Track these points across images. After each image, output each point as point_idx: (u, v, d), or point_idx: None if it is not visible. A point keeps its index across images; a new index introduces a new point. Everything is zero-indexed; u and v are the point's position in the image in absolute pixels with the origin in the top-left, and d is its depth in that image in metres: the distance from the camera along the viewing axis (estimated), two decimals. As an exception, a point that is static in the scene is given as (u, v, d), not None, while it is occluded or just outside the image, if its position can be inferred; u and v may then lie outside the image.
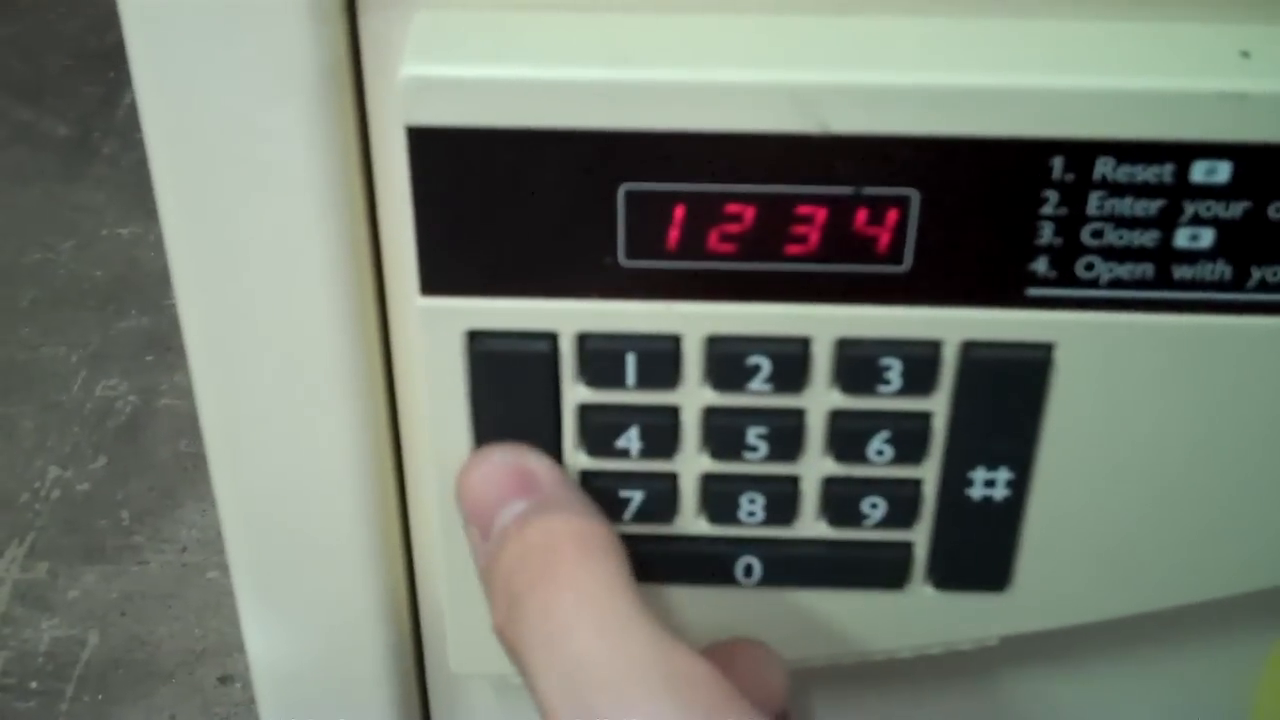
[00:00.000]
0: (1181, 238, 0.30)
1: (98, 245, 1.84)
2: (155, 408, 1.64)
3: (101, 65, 2.14)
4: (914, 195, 0.29)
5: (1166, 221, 0.30)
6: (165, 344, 1.69)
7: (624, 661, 0.28)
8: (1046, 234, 0.30)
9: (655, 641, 0.28)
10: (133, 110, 2.13)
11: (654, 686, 0.27)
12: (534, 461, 0.33)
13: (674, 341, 0.31)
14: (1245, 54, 0.29)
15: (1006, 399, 0.32)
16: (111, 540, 1.49)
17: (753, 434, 0.32)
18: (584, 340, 0.32)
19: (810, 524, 0.34)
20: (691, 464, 0.33)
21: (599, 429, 0.33)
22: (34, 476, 1.56)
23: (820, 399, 0.32)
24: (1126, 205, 0.29)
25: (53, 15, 2.27)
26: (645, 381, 0.32)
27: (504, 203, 0.30)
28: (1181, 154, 0.29)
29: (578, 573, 0.30)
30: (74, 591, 1.44)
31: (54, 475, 1.56)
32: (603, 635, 0.29)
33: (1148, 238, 0.30)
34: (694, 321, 0.31)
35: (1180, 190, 0.29)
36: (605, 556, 0.30)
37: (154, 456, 1.58)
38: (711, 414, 0.32)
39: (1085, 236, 0.30)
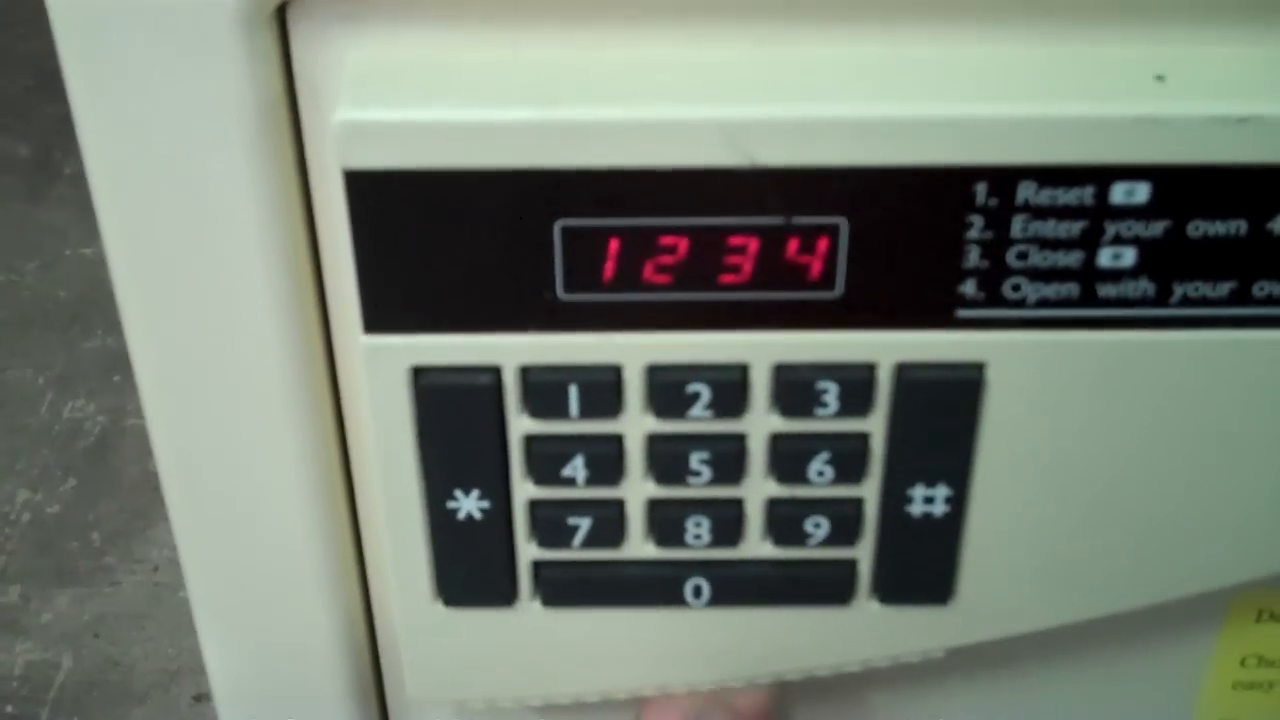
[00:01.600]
0: (1104, 257, 0.30)
1: (62, 265, 1.83)
2: (123, 427, 1.63)
3: (63, 85, 2.13)
4: (843, 223, 0.30)
5: (1089, 242, 0.30)
6: (131, 365, 1.68)
7: None
8: (973, 257, 0.30)
9: None
10: (93, 129, 2.12)
11: None
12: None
13: (615, 371, 0.32)
14: (1160, 78, 0.30)
15: (942, 418, 0.33)
16: (83, 562, 1.49)
17: (696, 459, 0.33)
18: (526, 373, 0.32)
19: (756, 544, 0.34)
20: (637, 490, 0.34)
21: (545, 459, 0.33)
22: (3, 500, 1.56)
23: (760, 423, 0.33)
24: (1050, 227, 0.30)
25: (13, 35, 2.26)
26: (588, 411, 0.32)
27: (443, 241, 0.30)
28: (1101, 176, 0.30)
29: None
30: (47, 615, 1.44)
31: (24, 498, 1.56)
32: None
33: (1072, 258, 0.31)
34: (633, 351, 0.32)
35: (1101, 211, 0.30)
36: None
37: (124, 477, 1.57)
38: (655, 441, 0.33)
39: (1011, 258, 0.31)
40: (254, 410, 0.35)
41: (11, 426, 1.67)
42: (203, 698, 1.38)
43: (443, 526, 0.34)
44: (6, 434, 1.67)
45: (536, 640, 0.36)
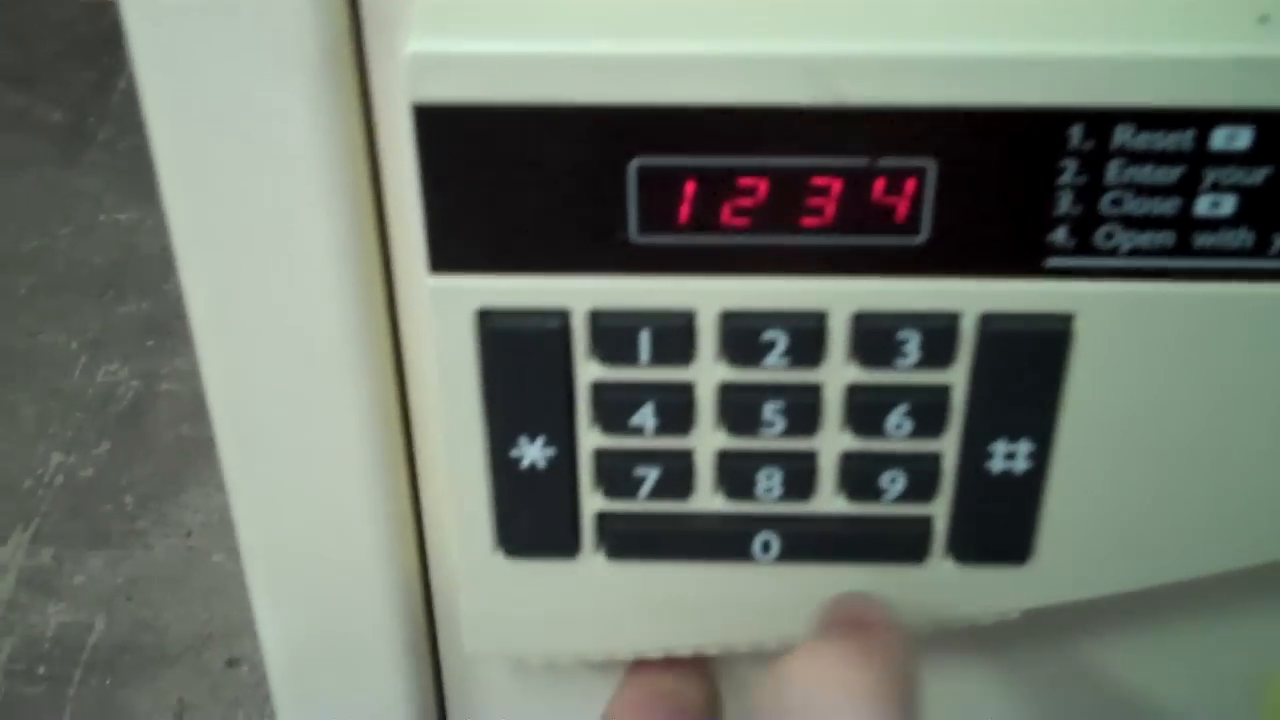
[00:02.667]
0: (1202, 205, 0.29)
1: (96, 231, 1.84)
2: (157, 392, 1.63)
3: (95, 50, 2.13)
4: (931, 165, 0.29)
5: (1187, 189, 0.29)
6: (165, 329, 1.69)
7: None
8: (1065, 203, 0.29)
9: None
10: (128, 95, 2.12)
11: None
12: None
13: (688, 317, 0.31)
14: (1264, 19, 0.28)
15: (1026, 371, 0.31)
16: (116, 525, 1.49)
17: (769, 409, 0.32)
18: (596, 317, 0.31)
19: (828, 499, 0.33)
20: (707, 440, 0.33)
21: (613, 407, 0.32)
22: (37, 463, 1.56)
23: (837, 373, 0.32)
24: (1146, 173, 0.29)
25: (45, 1, 2.26)
26: (659, 358, 0.32)
27: (513, 179, 0.30)
28: (1201, 121, 0.28)
29: (855, 670, 0.30)
30: (80, 577, 1.44)
31: (57, 461, 1.56)
32: None
33: (1168, 205, 0.29)
34: (708, 296, 0.31)
35: (1200, 157, 0.29)
36: (888, 667, 0.31)
37: (157, 441, 1.57)
38: (727, 390, 0.32)
39: (1104, 205, 0.29)
40: (311, 354, 0.34)
41: (45, 390, 1.68)
42: (235, 662, 1.39)
43: (505, 475, 0.33)
44: (41, 398, 1.67)
45: (598, 594, 0.35)
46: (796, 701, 0.29)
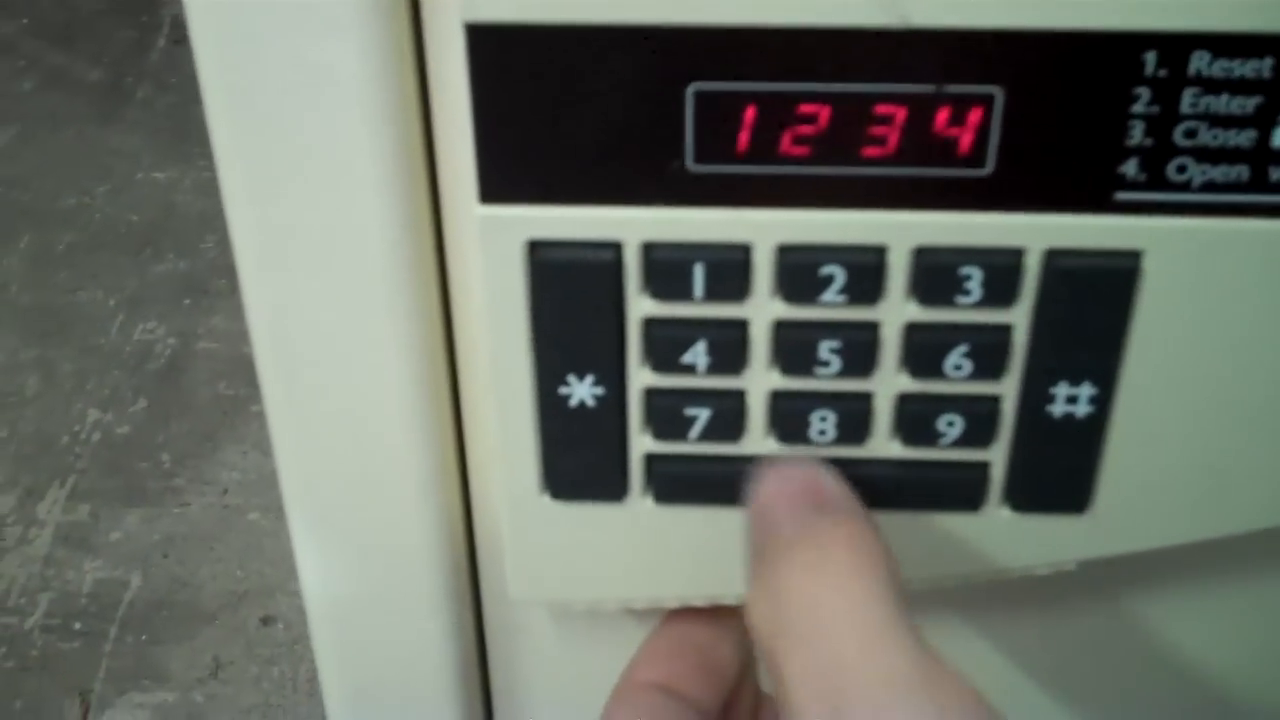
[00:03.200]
0: (1280, 137, 0.28)
1: (133, 189, 1.84)
2: (194, 350, 1.64)
3: (135, 8, 2.13)
4: (998, 93, 0.28)
5: (1264, 120, 0.28)
6: (202, 287, 1.69)
7: (887, 676, 0.27)
8: (1137, 134, 0.28)
9: (920, 661, 0.27)
10: (166, 54, 2.12)
11: (916, 707, 0.26)
12: (828, 482, 0.32)
13: (744, 251, 0.30)
14: (1350, -60, 0.27)
15: (1091, 310, 0.30)
16: (152, 483, 1.49)
17: (825, 348, 0.31)
18: (649, 250, 0.30)
19: (883, 443, 0.33)
20: (760, 380, 0.32)
21: (665, 343, 0.31)
22: (74, 420, 1.56)
23: (896, 311, 0.31)
24: (1222, 103, 0.28)
25: (86, -41, 2.26)
26: (713, 293, 0.31)
27: (567, 104, 0.29)
28: (1281, 47, 0.27)
29: (847, 576, 0.29)
30: (116, 533, 1.44)
31: (94, 418, 1.56)
32: (868, 645, 0.27)
33: (1244, 137, 0.28)
34: (765, 229, 0.30)
35: (1279, 87, 0.28)
36: (876, 564, 0.29)
37: (193, 399, 1.57)
38: (782, 327, 0.31)
39: (1178, 137, 0.28)
40: (355, 288, 0.33)
41: (83, 347, 1.68)
42: (270, 620, 1.39)
43: (553, 414, 0.33)
44: (78, 355, 1.67)
45: (646, 539, 0.34)
46: (804, 628, 0.28)
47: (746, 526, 0.32)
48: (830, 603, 0.28)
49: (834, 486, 0.32)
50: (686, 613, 0.36)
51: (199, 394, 1.58)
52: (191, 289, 1.69)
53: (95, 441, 1.54)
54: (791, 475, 0.32)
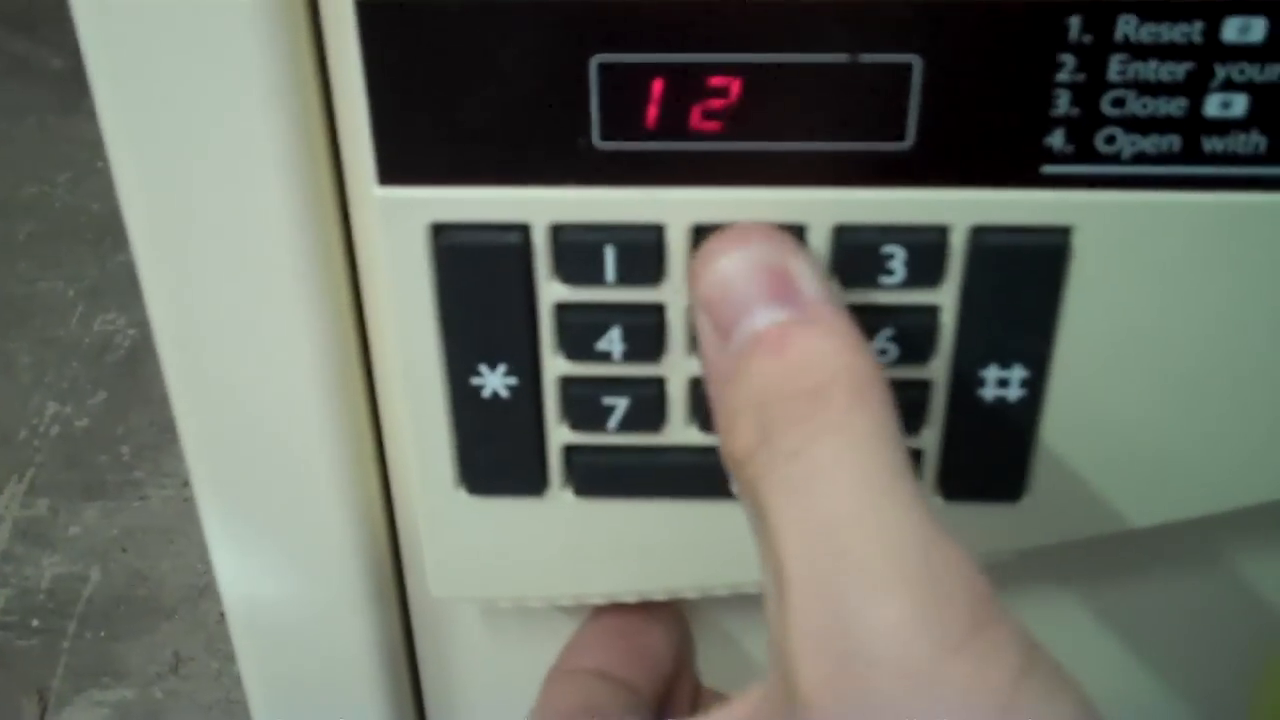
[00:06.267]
0: (1212, 105, 0.27)
1: (94, 179, 1.82)
2: (154, 341, 1.62)
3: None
4: (916, 62, 0.27)
5: (1195, 87, 0.27)
6: (163, 277, 1.67)
7: (880, 538, 0.24)
8: (1063, 104, 0.27)
9: (917, 520, 0.24)
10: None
11: (910, 570, 0.23)
12: (798, 264, 0.28)
13: (657, 231, 0.29)
14: (1282, -103, 0.26)
15: (1021, 289, 0.29)
16: (112, 476, 1.48)
17: (745, 333, 0.30)
18: (558, 232, 0.29)
19: (809, 430, 0.31)
20: (680, 367, 0.31)
21: (578, 330, 0.30)
22: (32, 413, 1.55)
23: None
24: (1151, 70, 0.27)
25: (45, -54, 2.24)
26: (627, 277, 0.29)
27: (467, 81, 0.27)
28: (1211, 11, 0.26)
29: (847, 422, 0.25)
30: (75, 528, 1.43)
31: (53, 411, 1.55)
32: (863, 502, 0.24)
33: (1174, 106, 0.27)
34: (678, 209, 0.29)
35: (1210, 52, 0.27)
36: (878, 405, 0.26)
37: (153, 391, 1.56)
38: (700, 312, 0.30)
39: (1106, 106, 0.27)
40: (259, 276, 0.32)
41: (41, 338, 1.66)
42: (231, 613, 1.37)
43: (466, 406, 0.31)
44: (36, 346, 1.66)
45: (568, 534, 0.33)
46: (798, 477, 0.25)
47: (691, 300, 0.29)
48: (827, 452, 0.25)
49: (807, 278, 0.28)
50: (616, 605, 0.35)
51: (159, 386, 1.56)
52: (151, 279, 1.67)
53: (54, 435, 1.52)
54: (756, 253, 0.28)
